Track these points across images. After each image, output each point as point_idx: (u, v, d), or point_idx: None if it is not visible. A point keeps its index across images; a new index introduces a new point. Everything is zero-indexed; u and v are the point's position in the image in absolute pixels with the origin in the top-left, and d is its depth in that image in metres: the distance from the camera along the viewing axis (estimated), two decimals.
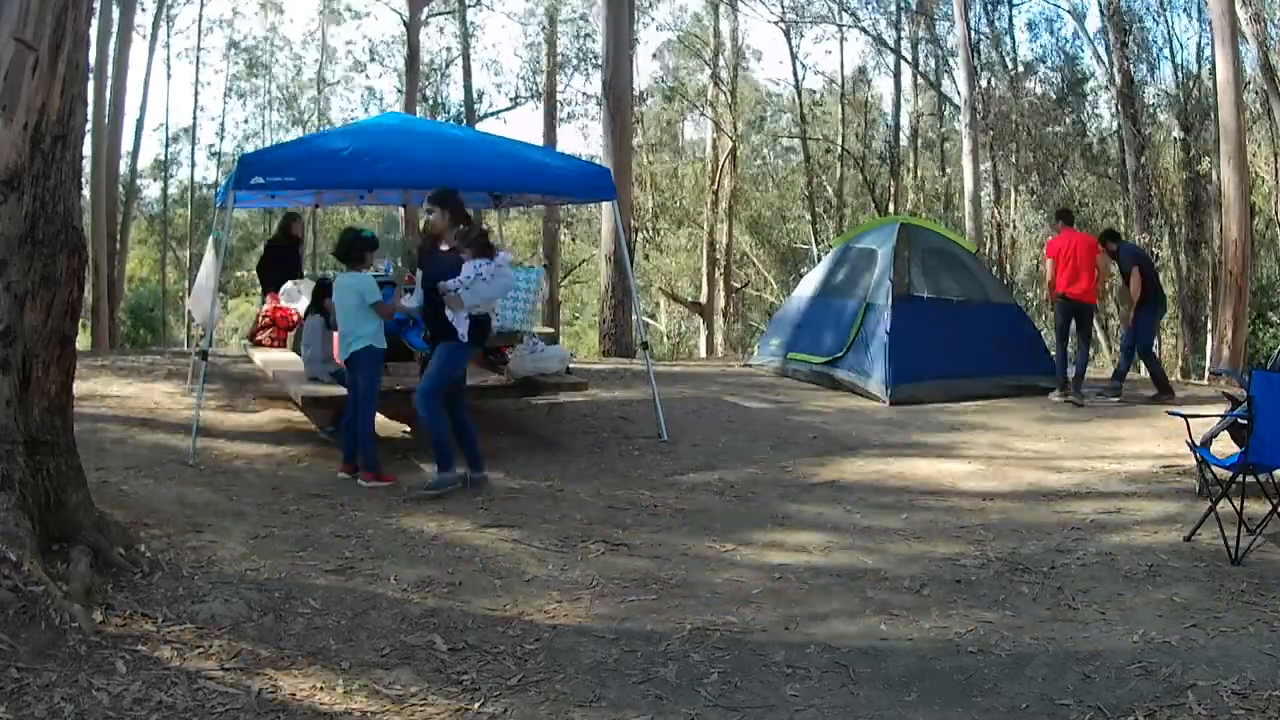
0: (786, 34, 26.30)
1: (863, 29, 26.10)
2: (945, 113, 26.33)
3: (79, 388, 5.02)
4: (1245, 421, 5.05)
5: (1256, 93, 18.64)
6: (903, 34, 25.62)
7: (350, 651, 3.61)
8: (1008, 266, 23.25)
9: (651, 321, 29.98)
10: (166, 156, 31.61)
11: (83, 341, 6.61)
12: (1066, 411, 8.91)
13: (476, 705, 3.24)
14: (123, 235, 23.25)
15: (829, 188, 27.60)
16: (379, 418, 7.96)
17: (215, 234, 8.93)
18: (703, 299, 27.09)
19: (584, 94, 25.65)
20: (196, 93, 37.49)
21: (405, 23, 19.93)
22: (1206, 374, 14.51)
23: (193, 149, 31.68)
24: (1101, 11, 20.20)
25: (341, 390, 7.28)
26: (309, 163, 6.99)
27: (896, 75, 26.82)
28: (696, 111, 29.36)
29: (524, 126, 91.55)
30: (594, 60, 23.48)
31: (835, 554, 4.91)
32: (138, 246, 32.60)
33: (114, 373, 9.87)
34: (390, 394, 8.08)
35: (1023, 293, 23.92)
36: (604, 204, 11.84)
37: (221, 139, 31.47)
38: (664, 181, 30.32)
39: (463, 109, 25.20)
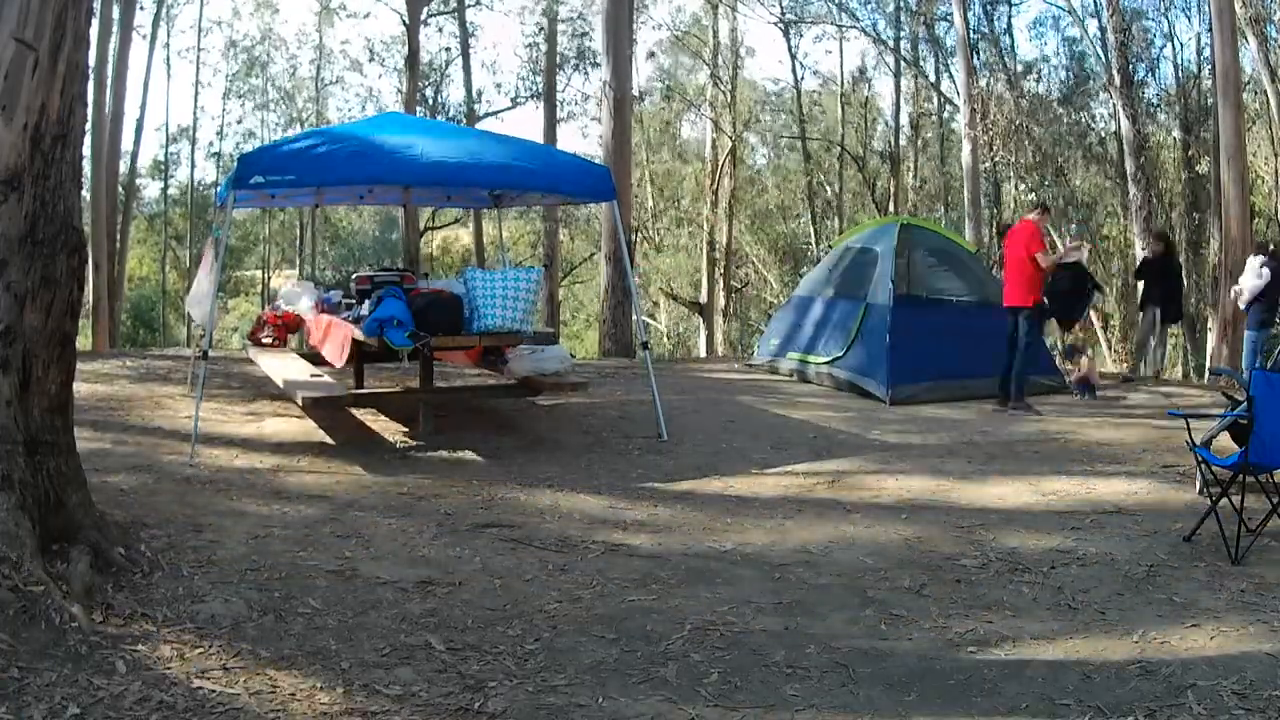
0: (785, 33, 26.32)
1: (862, 29, 26.14)
2: (945, 113, 26.34)
3: (79, 388, 5.02)
4: (1245, 421, 5.06)
5: (1256, 93, 18.65)
6: (902, 34, 25.65)
7: (350, 651, 3.60)
8: None
9: (651, 321, 29.98)
10: (166, 156, 31.65)
11: (83, 341, 6.60)
12: (1066, 411, 8.92)
13: (477, 705, 3.24)
14: (123, 235, 23.24)
15: (829, 187, 27.60)
16: (376, 417, 7.97)
17: (215, 233, 8.93)
18: (703, 299, 27.09)
19: (584, 94, 25.65)
20: (196, 93, 37.62)
21: (405, 23, 19.93)
22: (1206, 374, 14.51)
23: (193, 149, 31.71)
24: (1099, 12, 20.22)
25: (340, 390, 7.29)
26: (309, 161, 6.96)
27: (897, 75, 26.84)
28: (695, 111, 29.39)
29: (524, 126, 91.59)
30: (594, 60, 23.46)
31: (835, 554, 4.91)
32: (138, 246, 32.62)
33: (114, 373, 9.87)
34: (391, 394, 8.11)
35: None
36: (604, 204, 11.83)
37: (221, 139, 31.49)
38: (664, 181, 30.33)
39: (462, 109, 25.19)
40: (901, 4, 24.76)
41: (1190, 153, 20.03)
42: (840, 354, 10.02)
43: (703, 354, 24.83)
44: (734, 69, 27.45)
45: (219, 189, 11.55)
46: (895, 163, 26.75)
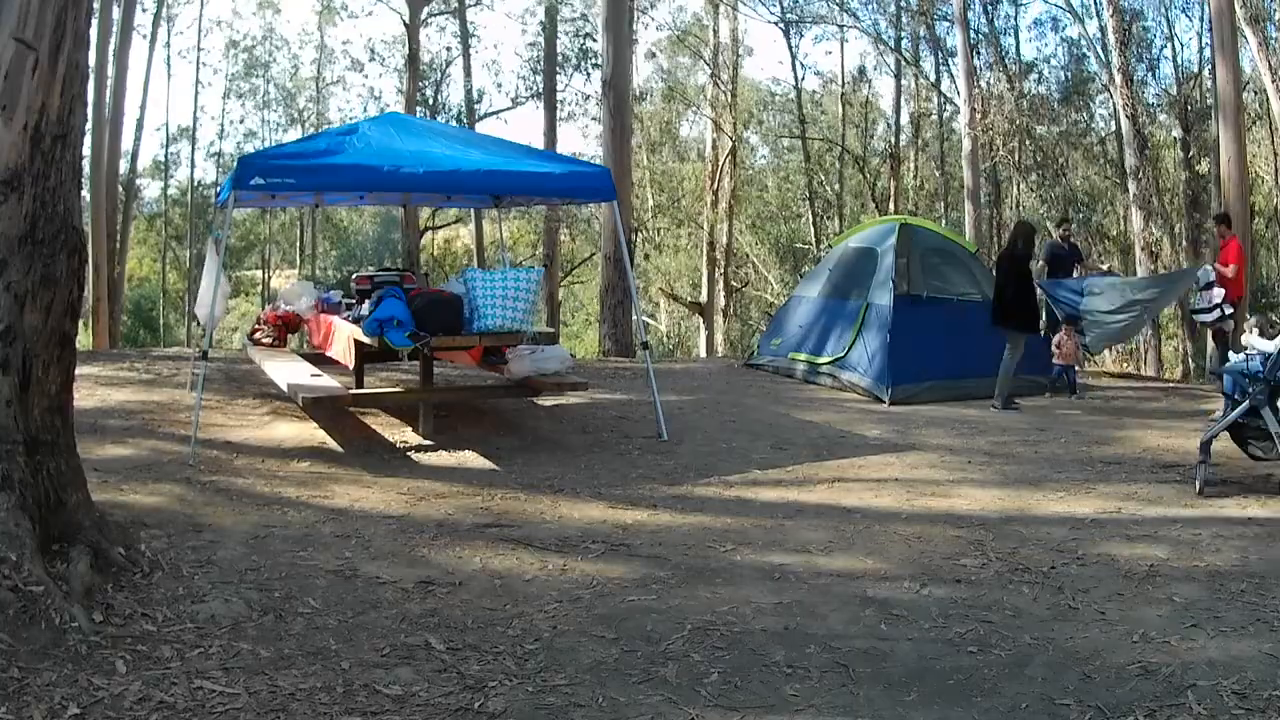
0: (786, 34, 26.32)
1: (862, 29, 26.14)
2: (945, 113, 26.34)
3: (79, 388, 5.02)
4: (1245, 421, 5.07)
5: (1256, 93, 18.65)
6: (903, 34, 25.66)
7: (350, 651, 3.60)
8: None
9: (651, 321, 29.99)
10: (166, 156, 31.69)
11: (83, 341, 6.60)
12: (1066, 411, 8.91)
13: (477, 705, 3.24)
14: (123, 235, 23.27)
15: (829, 187, 27.60)
16: (377, 418, 7.97)
17: (214, 234, 8.93)
18: (703, 299, 27.09)
19: (584, 94, 25.65)
20: (197, 93, 37.75)
21: (405, 23, 19.97)
22: (1207, 374, 14.50)
23: (193, 149, 31.72)
24: (1098, 12, 20.23)
25: (340, 390, 7.29)
26: (309, 164, 6.97)
27: (898, 76, 26.84)
28: (694, 111, 29.39)
29: (524, 126, 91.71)
30: (594, 60, 23.46)
31: (835, 554, 4.90)
32: (138, 246, 32.67)
33: (114, 373, 9.87)
34: (391, 394, 8.11)
35: None
36: (604, 204, 11.83)
37: (222, 139, 31.51)
38: (664, 181, 30.33)
39: (463, 109, 25.19)
40: (902, 4, 24.76)
41: (1190, 153, 20.03)
42: (841, 354, 10.02)
43: (703, 354, 24.83)
44: (735, 69, 27.43)
45: (220, 189, 11.56)
46: (895, 163, 26.74)
